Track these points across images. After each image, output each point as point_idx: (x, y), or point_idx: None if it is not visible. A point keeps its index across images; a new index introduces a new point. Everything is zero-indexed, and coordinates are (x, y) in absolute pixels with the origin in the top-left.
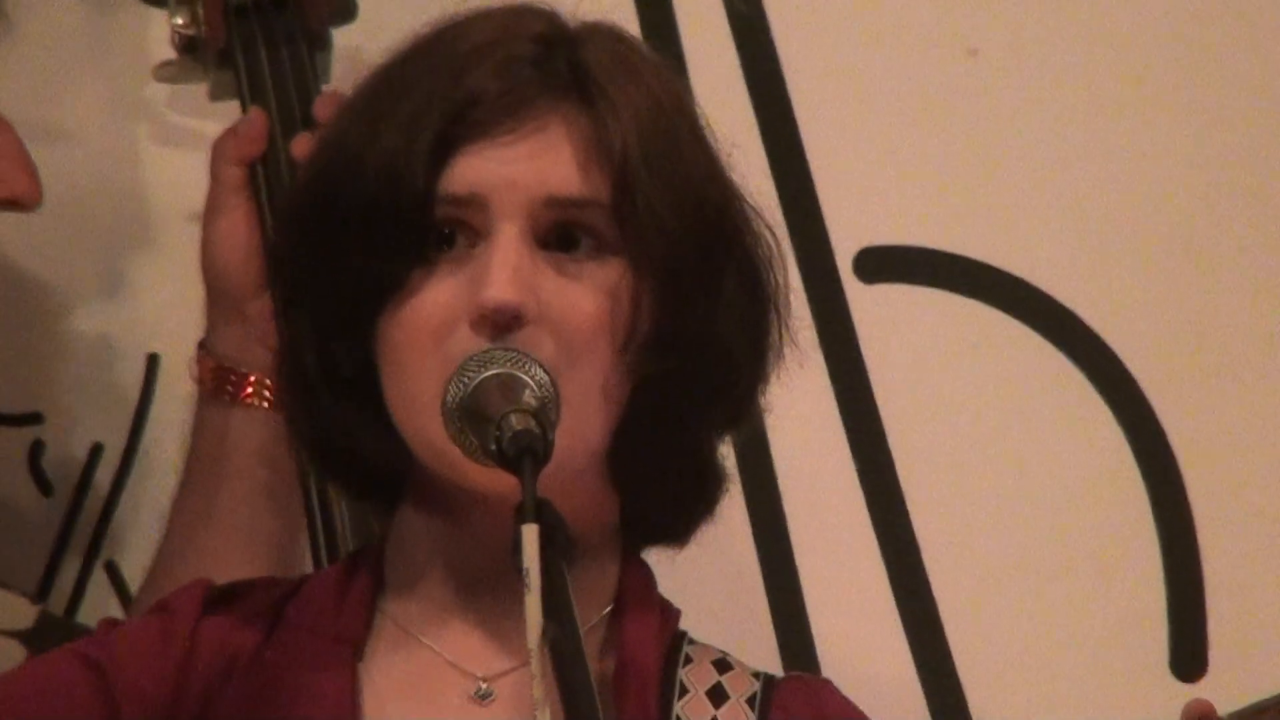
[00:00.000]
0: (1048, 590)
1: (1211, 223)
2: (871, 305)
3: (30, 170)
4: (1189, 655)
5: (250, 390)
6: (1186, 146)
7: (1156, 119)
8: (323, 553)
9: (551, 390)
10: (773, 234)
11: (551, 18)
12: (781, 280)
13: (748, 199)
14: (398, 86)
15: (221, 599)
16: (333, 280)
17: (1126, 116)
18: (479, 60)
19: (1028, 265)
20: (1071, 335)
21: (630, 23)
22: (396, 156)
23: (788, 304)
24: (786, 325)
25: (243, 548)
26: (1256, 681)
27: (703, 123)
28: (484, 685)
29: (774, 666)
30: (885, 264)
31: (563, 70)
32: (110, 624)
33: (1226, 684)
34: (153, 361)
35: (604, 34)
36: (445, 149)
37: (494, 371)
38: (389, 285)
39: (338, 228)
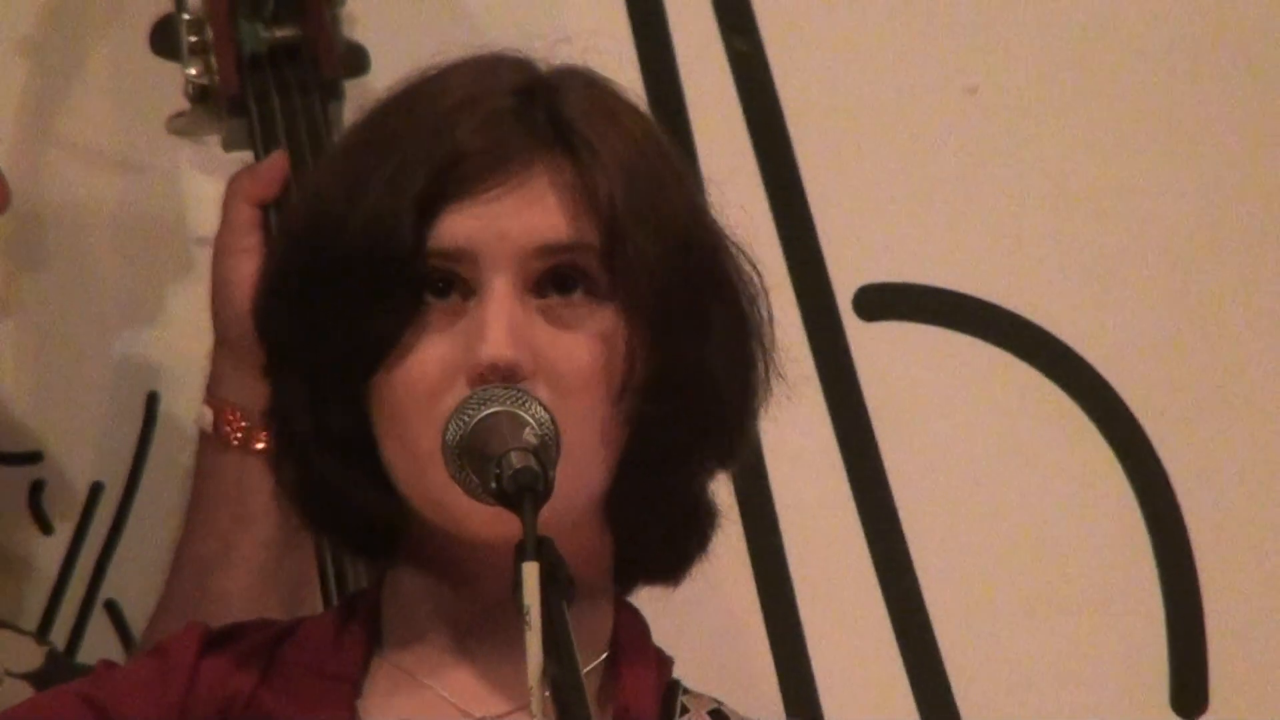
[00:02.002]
0: (1049, 626)
1: (1212, 258)
2: (871, 343)
3: None
4: (1190, 691)
5: (265, 438)
6: (1186, 182)
7: (1156, 155)
8: (333, 596)
9: (552, 428)
10: (755, 269)
11: (527, 67)
12: (767, 314)
13: (730, 234)
14: (379, 144)
15: (218, 641)
16: (323, 343)
17: (1126, 153)
18: (460, 116)
19: (1027, 302)
20: (1071, 372)
21: (630, 61)
22: (382, 217)
23: (773, 337)
24: (772, 359)
25: (260, 591)
26: (1257, 717)
27: (682, 162)
28: None
29: (775, 705)
30: (885, 301)
31: (543, 120)
32: (108, 665)
33: None
34: (152, 400)
35: (579, 79)
36: (431, 207)
37: (494, 409)
38: (382, 344)
39: (325, 291)
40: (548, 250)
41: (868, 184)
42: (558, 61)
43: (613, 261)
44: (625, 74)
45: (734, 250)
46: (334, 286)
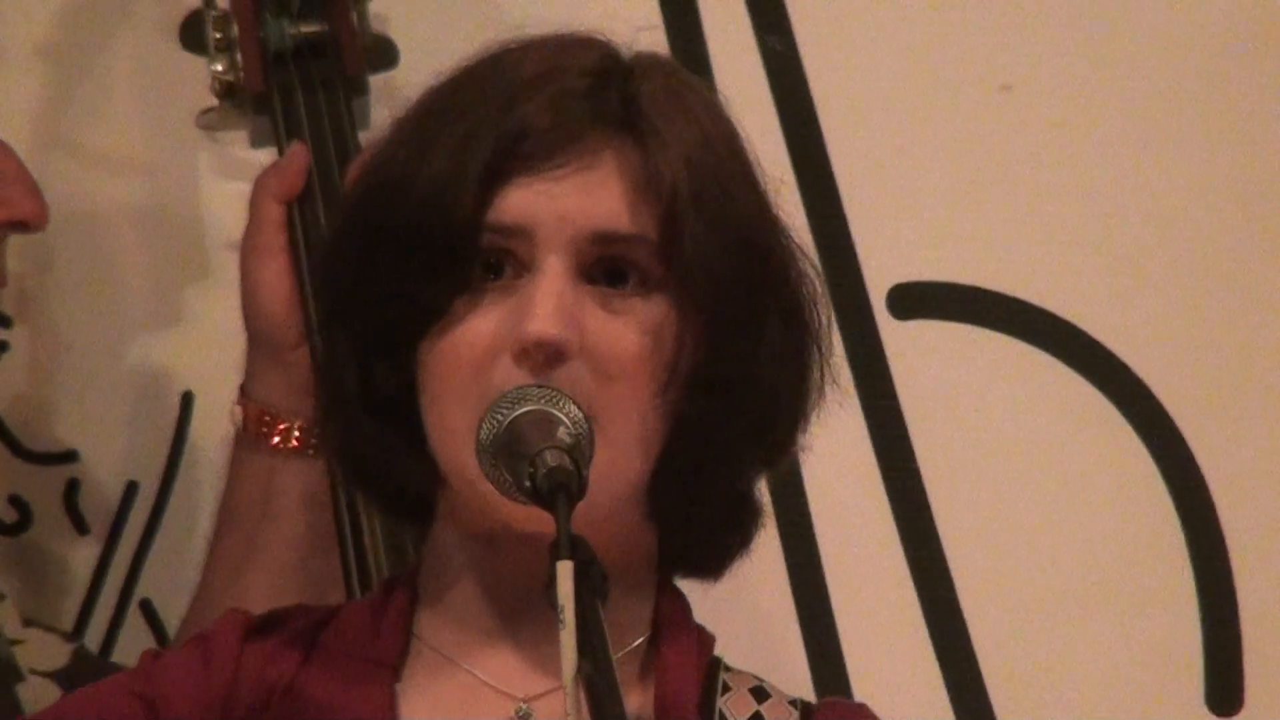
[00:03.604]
0: (1083, 624)
1: (1246, 255)
2: (905, 341)
3: (35, 192)
4: (1225, 689)
5: (296, 438)
6: (1218, 180)
7: (1189, 153)
8: (357, 592)
9: (586, 427)
10: (817, 271)
11: (605, 49)
12: (824, 319)
13: (792, 236)
14: (449, 112)
15: (260, 628)
16: (376, 302)
17: (1159, 151)
18: (532, 92)
19: (1060, 300)
20: (1104, 370)
21: None
22: (445, 184)
23: (829, 343)
24: (828, 364)
25: (289, 589)
26: None
27: (752, 159)
28: (523, 706)
29: (808, 698)
30: (918, 300)
31: (614, 104)
32: (153, 655)
33: (1262, 719)
34: (187, 399)
35: (657, 67)
36: (494, 179)
37: (528, 408)
38: (432, 312)
39: (384, 250)
40: (605, 238)
41: (901, 182)
42: (644, 49)
43: (669, 254)
44: None
45: (795, 252)
46: (392, 249)
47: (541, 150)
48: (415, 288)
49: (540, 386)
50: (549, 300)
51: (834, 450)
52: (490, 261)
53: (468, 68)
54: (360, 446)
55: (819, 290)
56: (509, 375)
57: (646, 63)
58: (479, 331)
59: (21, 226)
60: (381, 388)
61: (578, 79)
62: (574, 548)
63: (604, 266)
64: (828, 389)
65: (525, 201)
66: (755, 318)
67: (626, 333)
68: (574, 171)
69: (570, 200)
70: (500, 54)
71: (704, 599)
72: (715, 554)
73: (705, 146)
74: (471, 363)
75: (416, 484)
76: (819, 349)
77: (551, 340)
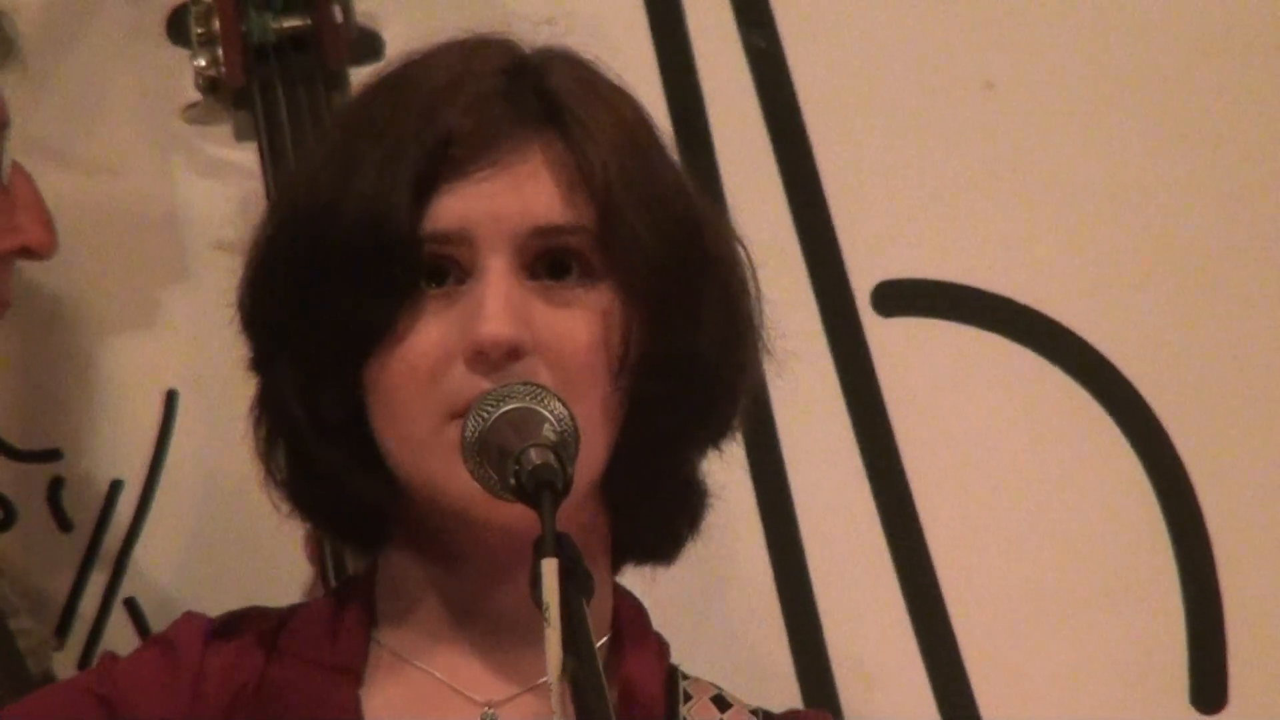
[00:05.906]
0: (1067, 622)
1: (1230, 253)
2: (889, 338)
3: (46, 221)
4: (1209, 687)
5: None
6: (1203, 177)
7: (1173, 150)
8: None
9: (570, 424)
10: (744, 246)
11: (510, 48)
12: (755, 291)
13: (719, 212)
14: (368, 129)
15: (221, 631)
16: (317, 328)
17: (1143, 148)
18: (448, 98)
19: (1044, 297)
20: (1088, 366)
21: (648, 58)
22: (376, 200)
23: (762, 315)
24: (762, 337)
25: None
26: (1277, 713)
27: (664, 139)
28: (489, 711)
29: (793, 699)
30: (903, 297)
31: (532, 100)
32: (112, 658)
33: (1247, 716)
34: (171, 398)
35: (563, 59)
36: (425, 189)
37: (512, 406)
38: (377, 329)
39: (319, 275)
40: (543, 232)
41: (885, 180)
42: (545, 43)
43: (609, 240)
44: (643, 70)
45: (722, 229)
46: (329, 273)
47: (468, 154)
48: (360, 308)
49: (525, 384)
50: (497, 300)
51: (818, 448)
52: (432, 270)
53: (375, 84)
54: (312, 476)
55: (749, 264)
56: (464, 381)
57: (552, 56)
58: (429, 340)
59: (29, 253)
60: (329, 414)
61: (491, 79)
62: (559, 545)
63: (546, 261)
64: (764, 364)
65: (460, 206)
66: (692, 297)
67: (576, 324)
68: (503, 170)
69: (504, 199)
70: (405, 66)
71: (689, 599)
72: (665, 538)
73: (626, 131)
74: (425, 372)
75: (374, 503)
76: (752, 323)
77: (506, 340)
